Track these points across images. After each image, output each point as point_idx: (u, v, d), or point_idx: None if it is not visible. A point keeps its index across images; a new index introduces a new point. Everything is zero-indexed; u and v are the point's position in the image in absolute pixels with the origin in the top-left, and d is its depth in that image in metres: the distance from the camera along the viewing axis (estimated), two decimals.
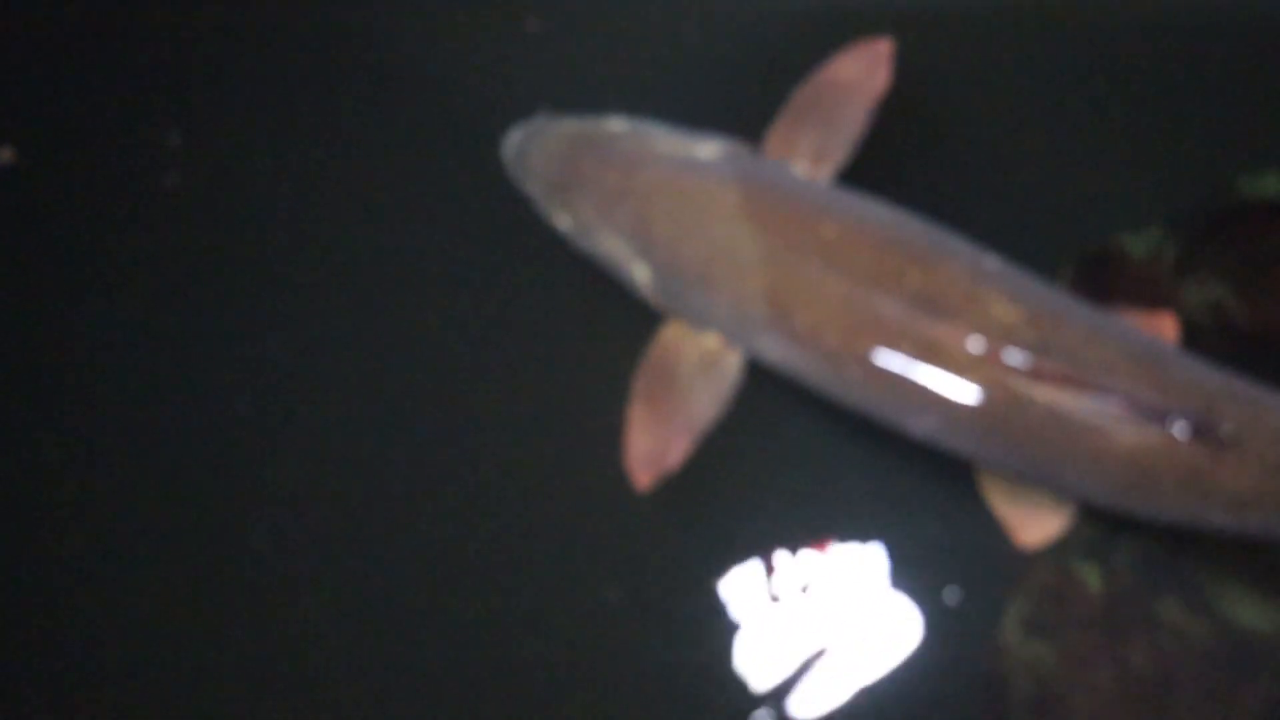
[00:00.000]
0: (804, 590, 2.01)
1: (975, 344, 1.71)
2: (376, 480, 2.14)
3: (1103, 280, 2.06)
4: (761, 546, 2.03)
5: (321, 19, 2.38)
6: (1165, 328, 1.87)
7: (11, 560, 2.15)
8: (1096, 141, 2.17)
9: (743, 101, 2.16)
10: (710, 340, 1.94)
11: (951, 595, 1.98)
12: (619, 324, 2.08)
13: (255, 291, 2.25)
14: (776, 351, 1.85)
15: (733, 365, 1.93)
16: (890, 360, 1.75)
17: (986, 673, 1.93)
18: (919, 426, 1.79)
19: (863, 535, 2.03)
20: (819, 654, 1.98)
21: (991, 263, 1.81)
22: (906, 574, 2.00)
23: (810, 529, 2.04)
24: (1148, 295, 2.05)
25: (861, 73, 2.03)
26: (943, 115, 2.20)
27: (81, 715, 2.08)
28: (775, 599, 2.01)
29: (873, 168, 2.02)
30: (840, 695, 1.96)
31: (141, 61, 2.38)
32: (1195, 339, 1.97)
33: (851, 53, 2.05)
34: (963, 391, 1.72)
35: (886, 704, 1.96)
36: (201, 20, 2.39)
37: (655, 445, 1.92)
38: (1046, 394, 1.69)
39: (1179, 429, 1.67)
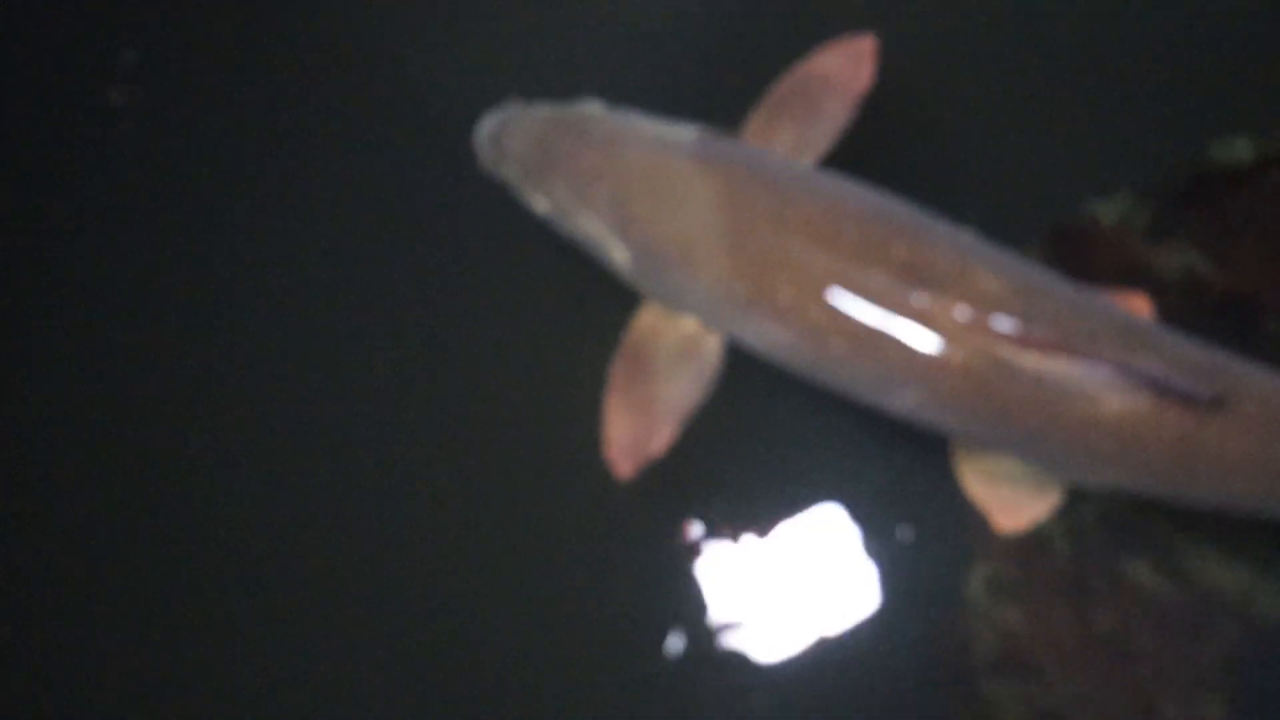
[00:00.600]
0: (772, 551, 2.02)
1: (962, 313, 1.70)
2: (351, 473, 2.14)
3: (1074, 250, 2.07)
4: (727, 511, 2.05)
5: None
6: (1139, 306, 1.87)
7: None
8: (1062, 111, 2.18)
9: (715, 96, 2.16)
10: (689, 324, 1.91)
11: (917, 555, 1.99)
12: (595, 311, 2.08)
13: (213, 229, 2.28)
14: (758, 330, 1.83)
15: (713, 349, 1.91)
16: (875, 333, 1.73)
17: (951, 632, 1.95)
18: (903, 401, 1.78)
19: (827, 497, 2.04)
20: (787, 613, 2.00)
21: (971, 239, 1.81)
22: (873, 535, 2.02)
23: (779, 493, 2.05)
24: (1119, 263, 2.05)
25: (844, 68, 2.02)
26: (904, 91, 2.20)
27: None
28: (743, 560, 2.02)
29: (835, 149, 2.01)
30: (806, 654, 1.98)
31: None
32: (1168, 305, 1.98)
33: (834, 48, 2.04)
34: (949, 361, 1.70)
35: (851, 663, 1.97)
36: None
37: (636, 434, 1.89)
38: (1033, 362, 1.68)
39: (1167, 394, 1.67)
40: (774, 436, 2.07)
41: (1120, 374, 1.66)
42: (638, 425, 1.89)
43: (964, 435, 1.82)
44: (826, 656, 1.98)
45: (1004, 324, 1.68)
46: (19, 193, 2.32)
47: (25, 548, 2.16)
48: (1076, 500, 1.94)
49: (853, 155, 1.97)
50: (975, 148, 2.18)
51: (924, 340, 1.71)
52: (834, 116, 1.98)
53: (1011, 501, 1.87)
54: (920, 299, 1.71)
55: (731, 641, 1.99)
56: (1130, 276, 2.05)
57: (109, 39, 2.38)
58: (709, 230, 1.82)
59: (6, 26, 2.41)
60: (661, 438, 1.88)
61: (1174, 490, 1.75)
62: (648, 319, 1.94)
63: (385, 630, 2.07)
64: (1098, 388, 1.68)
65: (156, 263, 2.27)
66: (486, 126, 2.05)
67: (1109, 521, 1.95)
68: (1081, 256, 2.06)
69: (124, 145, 2.33)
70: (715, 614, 2.01)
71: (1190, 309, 2.02)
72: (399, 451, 2.14)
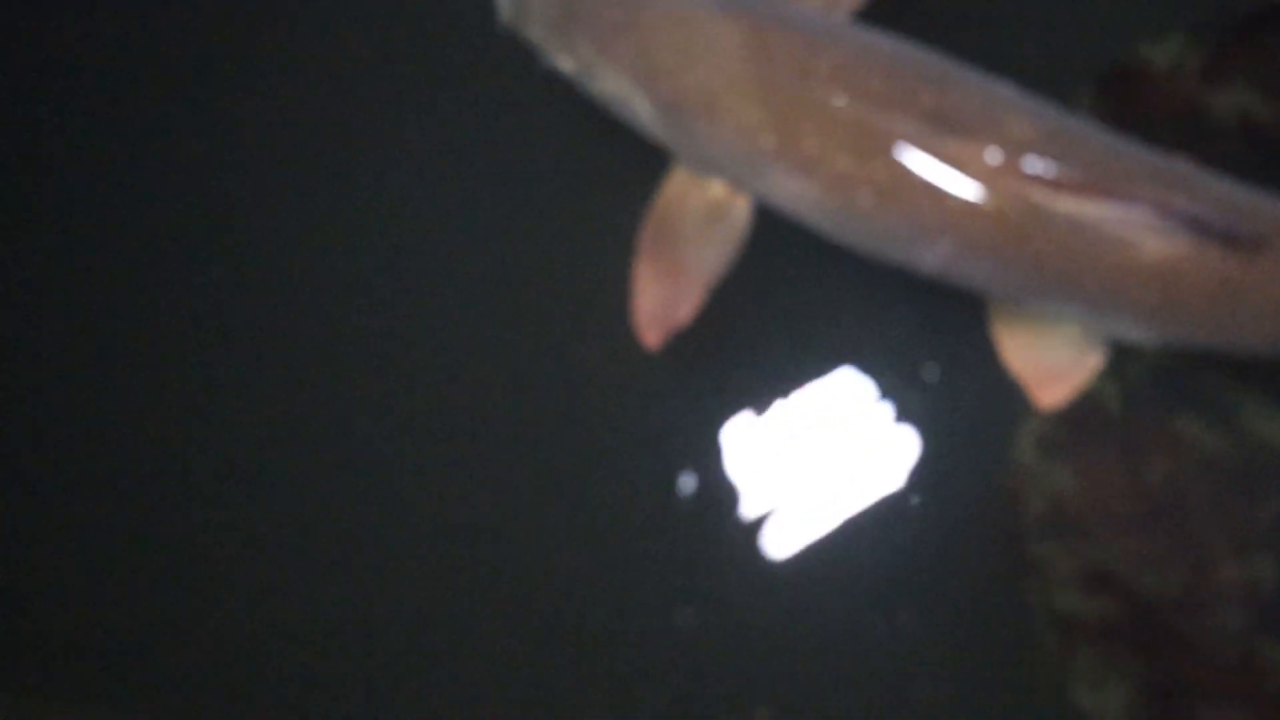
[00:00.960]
0: (811, 415, 2.00)
1: (993, 156, 1.66)
2: (377, 340, 2.13)
3: (1125, 95, 2.00)
4: (757, 387, 2.02)
5: None
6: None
7: None
8: None
9: None
10: (716, 188, 1.89)
11: (962, 415, 1.96)
12: (622, 178, 2.04)
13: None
14: (784, 184, 1.79)
15: (741, 212, 1.88)
16: (904, 182, 1.69)
17: (1001, 491, 1.91)
18: (933, 255, 1.74)
19: (863, 359, 2.01)
20: (829, 477, 1.98)
21: (1005, 88, 1.76)
22: (916, 396, 1.98)
23: (815, 356, 2.02)
24: (1173, 107, 1.99)
25: None
26: None
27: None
28: (779, 433, 2.00)
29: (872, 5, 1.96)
30: (850, 519, 1.96)
31: None
32: (1222, 148, 1.92)
33: None
34: (980, 208, 1.67)
35: (896, 525, 1.95)
36: None
37: (664, 302, 1.88)
38: (1068, 204, 1.64)
39: (1206, 233, 1.62)
40: (808, 301, 2.03)
41: (1158, 214, 1.62)
42: (665, 293, 1.88)
43: (998, 289, 1.78)
44: (871, 520, 1.96)
45: (1037, 167, 1.64)
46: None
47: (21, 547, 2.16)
48: (1126, 356, 1.88)
49: (891, 10, 1.91)
50: None
51: (954, 187, 1.67)
52: None
53: (1052, 371, 1.84)
54: (949, 145, 1.67)
55: (771, 506, 1.98)
56: (1184, 120, 1.98)
57: None
58: (734, 81, 1.78)
59: None
60: (689, 305, 1.87)
61: (1217, 337, 1.71)
62: (676, 184, 1.91)
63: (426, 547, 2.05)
64: (1135, 230, 1.63)
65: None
66: None
67: (1159, 377, 1.89)
68: (1133, 102, 1.99)
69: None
70: (753, 479, 1.99)
71: (1245, 152, 1.94)
72: (422, 325, 2.12)
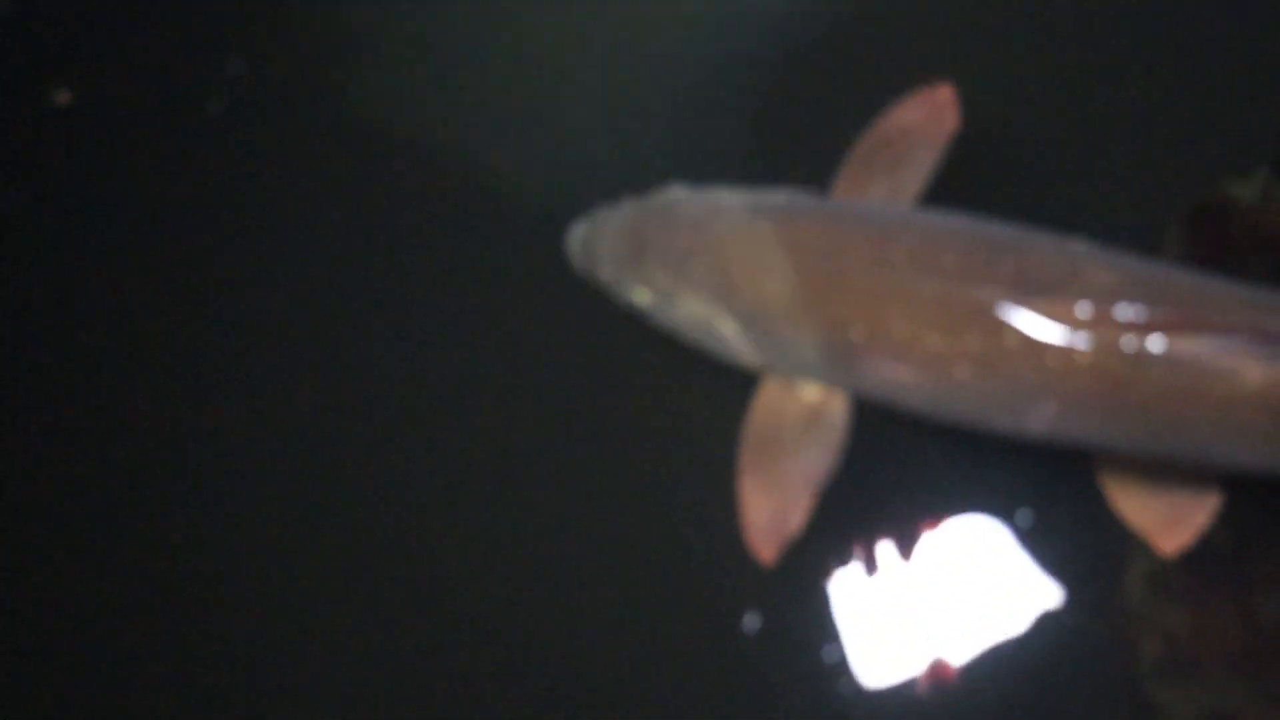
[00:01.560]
0: (917, 568, 1.98)
1: (1083, 310, 1.65)
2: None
3: (1213, 231, 2.01)
4: (866, 531, 2.01)
5: None
6: None
7: None
8: (1190, 89, 2.12)
9: (793, 162, 2.16)
10: (810, 391, 1.89)
11: (1072, 559, 1.93)
12: (711, 400, 2.07)
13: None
14: (879, 373, 1.79)
15: (839, 411, 1.87)
16: (998, 350, 1.69)
17: (1114, 633, 1.88)
18: (1038, 418, 1.72)
19: (966, 506, 2.00)
20: (935, 634, 1.95)
21: (1078, 244, 1.77)
22: (1025, 542, 1.96)
23: (917, 513, 2.01)
24: (1261, 240, 1.99)
25: (927, 118, 2.02)
26: (1008, 115, 2.18)
27: None
28: (889, 568, 1.98)
29: (943, 188, 2.00)
30: (964, 669, 1.93)
31: None
32: None
33: (913, 101, 2.04)
34: (1079, 363, 1.65)
35: (1012, 673, 1.92)
36: None
37: (775, 514, 1.87)
38: (1166, 344, 1.62)
39: None
40: (898, 460, 2.02)
41: (1257, 339, 1.61)
42: (775, 505, 1.86)
43: (1107, 444, 1.76)
44: (986, 670, 1.92)
45: (1128, 312, 1.63)
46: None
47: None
48: (1234, 490, 1.85)
49: (963, 189, 1.96)
50: (1100, 142, 2.13)
51: (1050, 346, 1.66)
52: (923, 162, 1.98)
53: (1170, 517, 1.80)
54: (1038, 305, 1.67)
55: (878, 661, 1.95)
56: (1272, 252, 1.98)
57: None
58: (813, 281, 1.80)
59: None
60: (800, 513, 1.85)
61: None
62: (768, 395, 1.92)
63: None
64: (1236, 360, 1.62)
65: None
66: (575, 234, 2.06)
67: (1269, 509, 1.86)
68: (1222, 238, 2.00)
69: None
70: (864, 633, 1.97)
71: None
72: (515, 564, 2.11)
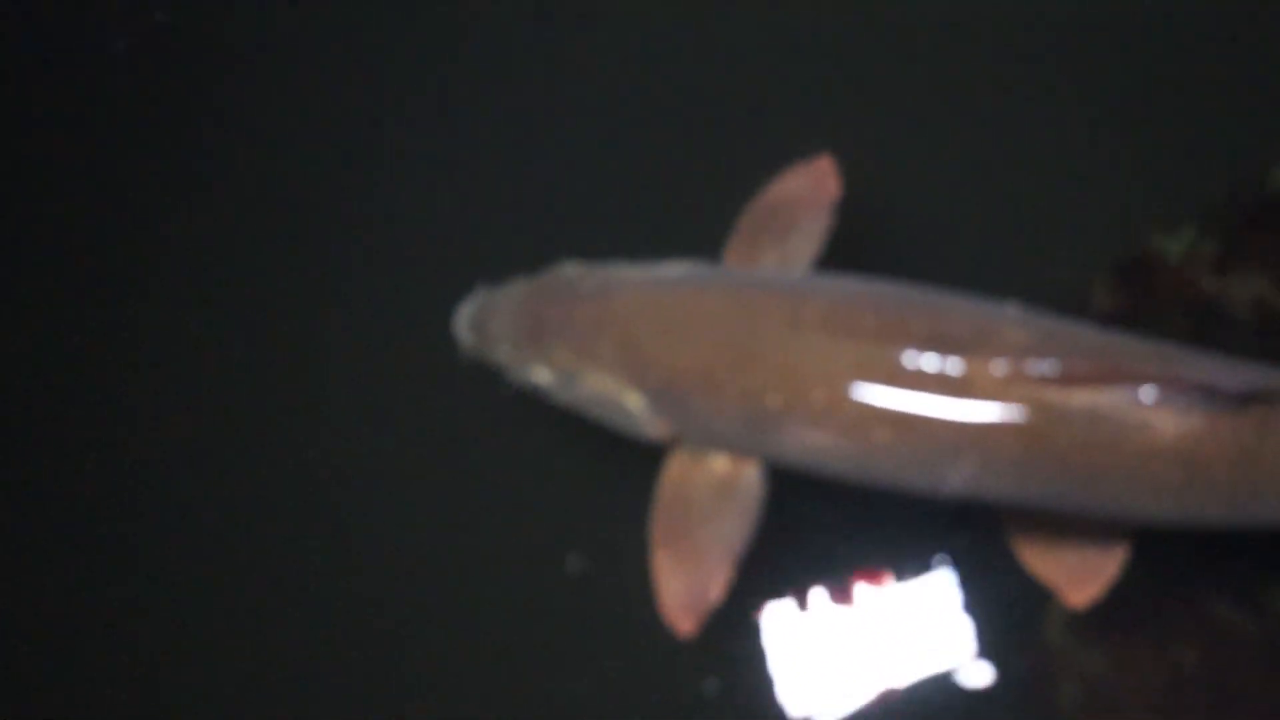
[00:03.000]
0: (844, 611, 2.02)
1: (998, 367, 1.66)
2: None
3: (1140, 286, 2.05)
4: (798, 578, 2.03)
5: None
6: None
7: None
8: (1116, 147, 2.17)
9: (679, 239, 2.09)
10: (719, 461, 1.84)
11: (992, 601, 1.97)
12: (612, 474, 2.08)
13: None
14: (796, 440, 1.76)
15: (752, 479, 1.83)
16: (917, 410, 1.68)
17: (1034, 675, 1.92)
18: (957, 476, 1.72)
19: (892, 553, 2.03)
20: (862, 670, 1.99)
21: (989, 304, 1.78)
22: (943, 585, 2.01)
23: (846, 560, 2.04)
24: (1188, 296, 2.03)
25: (809, 186, 2.02)
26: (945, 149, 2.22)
27: None
28: (815, 619, 2.02)
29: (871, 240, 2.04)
30: (886, 709, 1.97)
31: None
32: (1240, 337, 1.95)
33: (794, 172, 2.04)
34: (997, 418, 1.66)
35: (937, 712, 1.96)
36: None
37: (693, 586, 1.82)
38: (1082, 397, 1.64)
39: (1220, 397, 1.62)
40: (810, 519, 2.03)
41: (1170, 388, 1.63)
42: (691, 578, 1.82)
43: (1025, 500, 1.75)
44: (906, 707, 1.96)
45: (1043, 367, 1.65)
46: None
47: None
48: (1155, 541, 1.89)
49: (884, 253, 1.98)
50: (1025, 196, 2.18)
51: (968, 404, 1.67)
52: (812, 230, 1.97)
53: (1079, 571, 1.79)
54: (954, 365, 1.67)
55: (806, 699, 1.99)
56: (1200, 310, 2.02)
57: None
58: (727, 350, 1.78)
59: None
60: (719, 584, 1.81)
61: (1240, 513, 1.71)
62: (677, 467, 1.87)
63: None
64: (1151, 411, 1.64)
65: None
66: (464, 315, 2.00)
67: (1187, 558, 1.90)
68: (1149, 293, 2.04)
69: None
70: (788, 676, 2.00)
71: (1263, 341, 1.98)
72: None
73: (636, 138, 2.34)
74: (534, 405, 1.97)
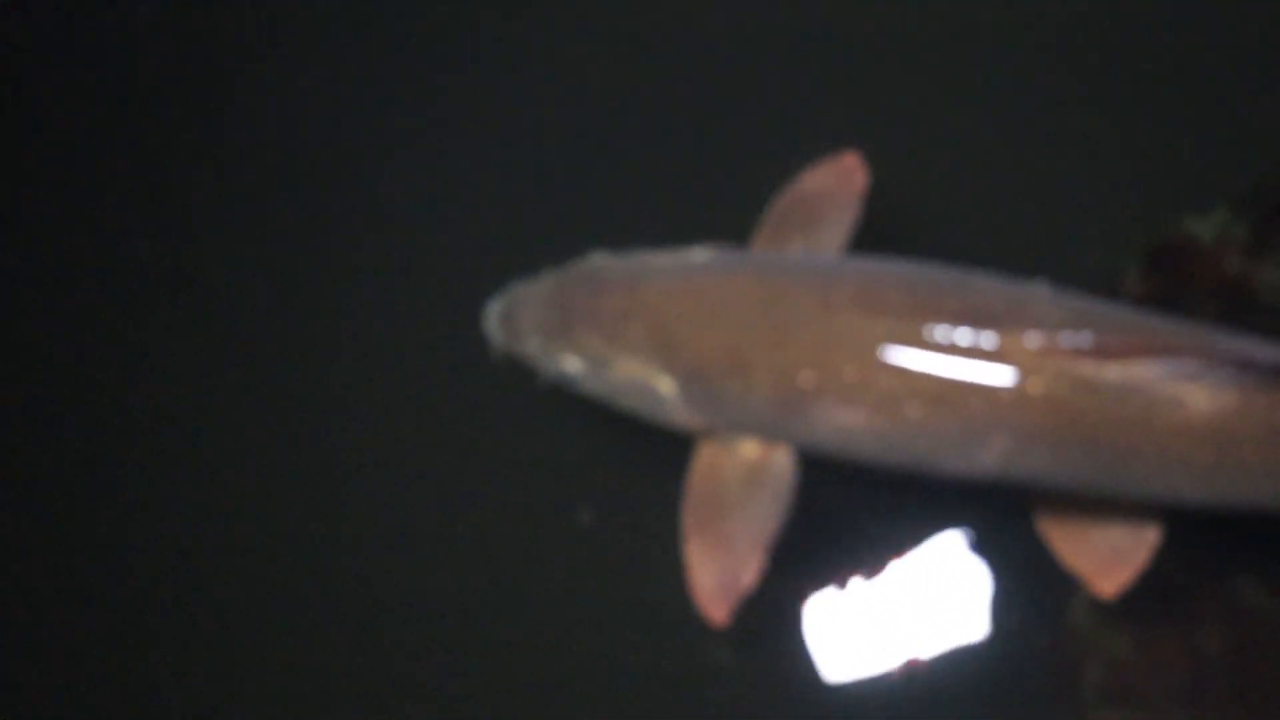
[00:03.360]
0: (867, 593, 2.01)
1: (1031, 340, 1.66)
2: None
3: (1172, 271, 2.04)
4: (823, 558, 2.02)
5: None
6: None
7: None
8: (1147, 131, 2.17)
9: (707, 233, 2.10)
10: (749, 448, 1.84)
11: (1019, 581, 1.96)
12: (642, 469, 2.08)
13: None
14: (828, 420, 1.75)
15: (783, 465, 1.82)
16: (949, 385, 1.68)
17: (1058, 657, 1.91)
18: (989, 454, 1.71)
19: (918, 528, 2.03)
20: (885, 646, 1.98)
21: (1019, 284, 1.78)
22: (972, 562, 2.00)
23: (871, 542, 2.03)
24: (1219, 281, 2.02)
25: (837, 180, 2.03)
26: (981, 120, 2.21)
27: None
28: (839, 599, 2.01)
29: (900, 221, 2.04)
30: (908, 685, 1.96)
31: None
32: (1271, 322, 1.93)
33: (820, 168, 2.05)
34: (1029, 393, 1.65)
35: (955, 693, 1.94)
36: None
37: (725, 574, 1.81)
38: (1114, 372, 1.64)
39: (1253, 371, 1.62)
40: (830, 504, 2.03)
41: (1203, 362, 1.62)
42: (723, 566, 1.81)
43: (1056, 478, 1.74)
44: (929, 687, 1.95)
45: (1076, 340, 1.65)
46: None
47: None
48: (1183, 524, 1.88)
49: (921, 237, 2.00)
50: (1059, 179, 2.18)
51: (1000, 379, 1.66)
52: (839, 220, 1.98)
53: (1109, 558, 1.77)
54: (986, 339, 1.67)
55: (830, 674, 1.98)
56: (1230, 294, 2.01)
57: None
58: (757, 331, 1.78)
59: None
60: (751, 571, 1.80)
61: (1269, 496, 1.70)
62: (706, 455, 1.87)
63: None
64: (1183, 386, 1.64)
65: None
66: (494, 310, 2.00)
67: (1214, 542, 1.89)
68: (1180, 276, 2.03)
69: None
70: (810, 648, 2.00)
71: None
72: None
73: (662, 131, 2.35)
74: (561, 400, 1.98)
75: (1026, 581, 1.96)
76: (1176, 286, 2.01)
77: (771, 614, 1.99)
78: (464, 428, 2.21)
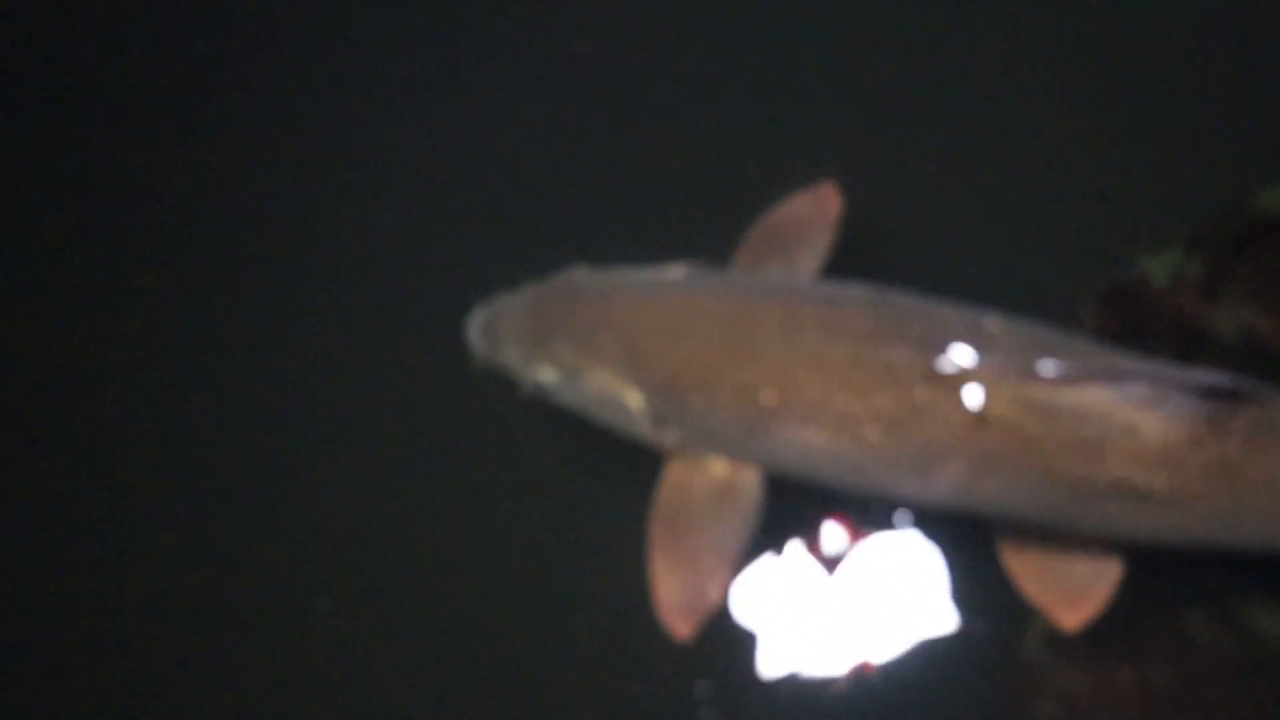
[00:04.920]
0: (821, 610, 2.01)
1: (990, 368, 1.68)
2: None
3: (1127, 310, 2.05)
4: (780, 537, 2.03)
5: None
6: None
7: None
8: (1103, 169, 2.20)
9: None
10: (718, 466, 1.87)
11: (971, 614, 1.97)
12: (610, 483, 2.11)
13: None
14: (790, 437, 1.78)
15: (750, 484, 1.86)
16: (908, 408, 1.71)
17: (1011, 691, 1.91)
18: (946, 478, 1.73)
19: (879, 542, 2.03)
20: (837, 676, 1.98)
21: (979, 312, 1.80)
22: (924, 595, 2.00)
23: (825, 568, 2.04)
24: (1173, 319, 2.03)
25: (813, 207, 2.07)
26: (919, 187, 2.26)
27: None
28: (795, 589, 2.01)
29: (865, 249, 2.07)
30: (864, 703, 1.96)
31: None
32: (1226, 362, 1.95)
33: (798, 196, 2.09)
34: (987, 419, 1.68)
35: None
36: None
37: (691, 590, 1.83)
38: (1070, 396, 1.66)
39: (1203, 394, 1.63)
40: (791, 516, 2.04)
41: (1156, 386, 1.64)
42: (688, 583, 1.84)
43: (1010, 507, 1.77)
44: (880, 711, 1.95)
45: (1032, 366, 1.67)
46: None
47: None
48: (1136, 561, 1.87)
49: (879, 271, 1.97)
50: (1014, 217, 2.21)
51: (958, 404, 1.69)
52: (816, 244, 2.02)
53: (1071, 592, 1.79)
54: (945, 364, 1.70)
55: (783, 702, 1.98)
56: (1186, 334, 2.02)
57: None
58: (723, 348, 1.81)
59: None
60: (716, 588, 1.83)
61: (1219, 527, 1.70)
62: (676, 472, 1.90)
63: None
64: (1138, 411, 1.65)
65: None
66: (476, 320, 2.04)
67: (1165, 575, 1.89)
68: (1135, 316, 2.05)
69: None
70: (765, 658, 2.00)
71: (1251, 367, 1.95)
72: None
73: (647, 149, 2.40)
74: (541, 413, 2.02)
75: (981, 617, 1.97)
76: (1131, 325, 2.03)
77: (727, 626, 2.00)
78: (446, 435, 2.25)
